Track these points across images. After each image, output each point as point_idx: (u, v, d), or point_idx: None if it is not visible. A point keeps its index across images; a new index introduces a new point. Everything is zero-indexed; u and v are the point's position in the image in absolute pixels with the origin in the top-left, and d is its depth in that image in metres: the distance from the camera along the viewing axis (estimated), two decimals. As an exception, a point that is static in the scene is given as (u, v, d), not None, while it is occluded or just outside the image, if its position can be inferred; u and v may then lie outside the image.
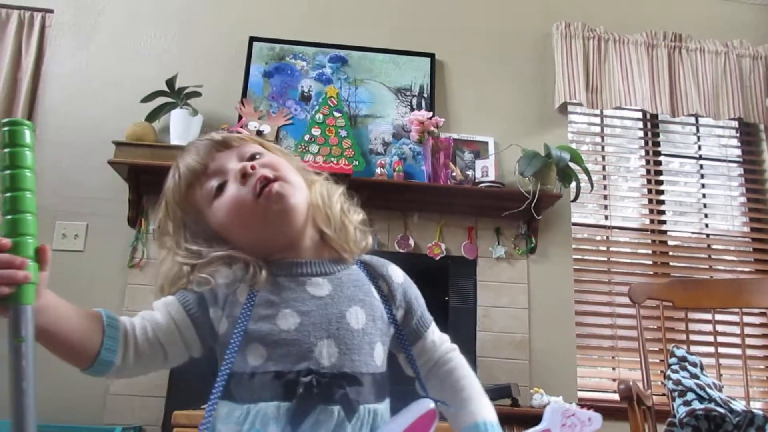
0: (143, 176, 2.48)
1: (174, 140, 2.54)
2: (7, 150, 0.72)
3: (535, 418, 0.98)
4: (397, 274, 1.02)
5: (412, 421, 0.84)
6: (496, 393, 2.13)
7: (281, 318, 0.88)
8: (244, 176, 0.92)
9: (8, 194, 0.72)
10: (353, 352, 0.88)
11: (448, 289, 2.59)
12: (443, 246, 2.62)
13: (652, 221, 2.98)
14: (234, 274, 0.90)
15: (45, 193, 2.54)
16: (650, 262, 2.92)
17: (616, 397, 1.80)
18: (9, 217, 0.72)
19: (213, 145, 0.97)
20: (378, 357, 0.91)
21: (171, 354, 0.90)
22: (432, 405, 0.86)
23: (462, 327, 2.54)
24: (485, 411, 0.95)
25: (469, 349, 2.48)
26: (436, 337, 1.02)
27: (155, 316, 0.90)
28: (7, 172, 0.72)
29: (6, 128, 0.73)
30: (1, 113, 2.56)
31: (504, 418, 2.02)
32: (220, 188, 0.93)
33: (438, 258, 2.60)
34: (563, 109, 2.92)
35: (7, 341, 0.70)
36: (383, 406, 0.90)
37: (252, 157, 0.96)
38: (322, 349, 0.87)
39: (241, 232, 0.93)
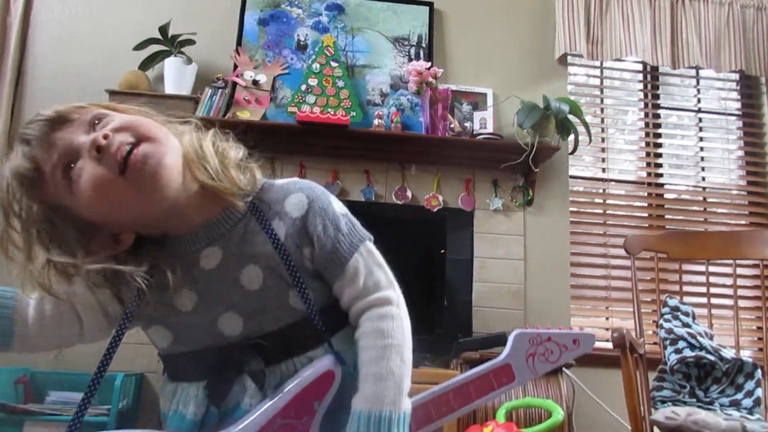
0: (138, 126, 2.45)
1: (168, 89, 2.50)
2: None
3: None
4: (293, 207, 0.85)
5: (308, 382, 0.79)
6: (490, 341, 2.17)
7: (179, 298, 0.83)
8: (99, 150, 0.74)
9: None
10: (257, 315, 0.82)
11: (445, 240, 2.60)
12: (441, 198, 2.62)
13: (649, 174, 2.98)
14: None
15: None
16: (646, 215, 2.93)
17: (609, 345, 1.84)
18: None
19: (47, 124, 0.77)
20: (298, 303, 0.83)
21: (88, 325, 0.86)
22: (329, 366, 0.81)
23: (459, 278, 2.57)
24: (359, 400, 0.78)
25: (465, 299, 2.53)
26: (361, 282, 0.84)
27: (74, 287, 0.84)
28: None
29: None
30: (-10, 60, 2.50)
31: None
32: (69, 171, 0.76)
33: (435, 210, 2.60)
34: (563, 60, 2.88)
35: None
36: (324, 350, 0.83)
37: (98, 120, 0.78)
38: (223, 323, 0.82)
39: (114, 215, 0.78)
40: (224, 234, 0.84)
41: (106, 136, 0.75)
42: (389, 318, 0.82)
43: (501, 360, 0.94)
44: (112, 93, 2.42)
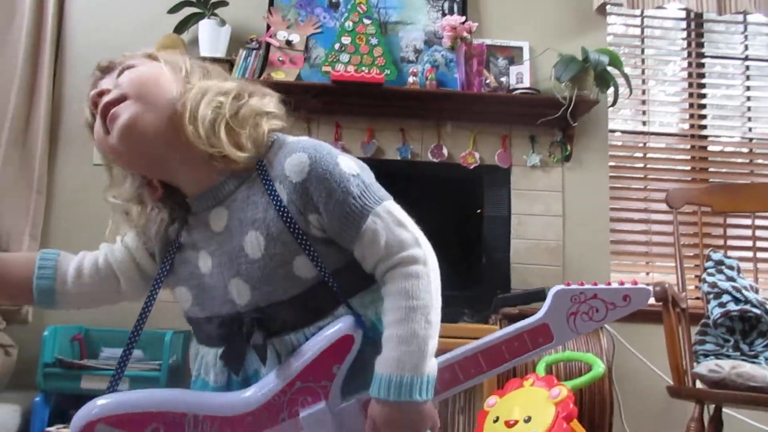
0: (175, 90, 2.47)
1: (203, 52, 2.51)
2: None
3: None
4: (292, 170, 0.79)
5: (327, 345, 0.77)
6: (529, 297, 2.17)
7: (201, 260, 0.84)
8: (95, 106, 0.83)
9: None
10: (263, 284, 0.79)
11: (482, 197, 2.59)
12: (477, 155, 2.59)
13: (692, 126, 2.89)
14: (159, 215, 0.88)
15: (77, 112, 2.57)
16: (688, 168, 2.86)
17: (650, 300, 1.83)
18: None
19: (97, 73, 0.87)
20: (306, 270, 0.80)
21: (125, 282, 0.92)
22: (348, 329, 0.78)
23: (496, 235, 2.56)
24: (381, 363, 0.77)
25: (503, 256, 2.53)
26: (383, 243, 0.78)
27: (113, 246, 0.92)
28: None
29: None
30: (29, 29, 2.53)
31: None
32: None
33: (472, 167, 2.58)
34: (602, 10, 2.78)
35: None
36: (332, 318, 0.81)
37: (126, 69, 0.84)
38: (232, 289, 0.81)
39: (118, 162, 0.86)
40: (228, 195, 0.83)
41: (101, 93, 0.82)
42: (414, 277, 0.77)
43: (537, 319, 0.86)
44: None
